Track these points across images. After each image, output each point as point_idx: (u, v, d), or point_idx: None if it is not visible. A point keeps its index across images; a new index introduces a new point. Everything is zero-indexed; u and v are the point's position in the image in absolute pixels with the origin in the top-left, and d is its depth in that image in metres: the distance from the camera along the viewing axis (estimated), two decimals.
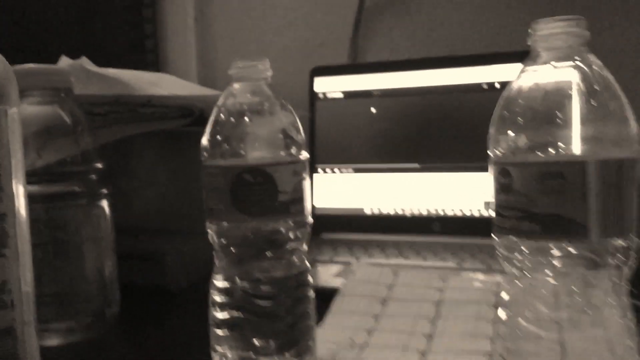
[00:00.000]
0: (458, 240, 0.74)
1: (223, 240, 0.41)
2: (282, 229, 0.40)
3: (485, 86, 0.75)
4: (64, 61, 0.60)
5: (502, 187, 0.29)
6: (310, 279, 0.43)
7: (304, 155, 0.41)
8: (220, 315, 0.41)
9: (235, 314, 0.40)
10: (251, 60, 0.40)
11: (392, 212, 0.79)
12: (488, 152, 0.31)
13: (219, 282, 0.41)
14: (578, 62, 0.30)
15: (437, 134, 0.77)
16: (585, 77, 0.29)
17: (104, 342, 0.52)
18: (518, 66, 0.32)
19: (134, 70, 0.64)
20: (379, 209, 0.79)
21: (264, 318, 0.40)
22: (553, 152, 0.28)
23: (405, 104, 0.79)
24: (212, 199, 0.40)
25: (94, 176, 0.54)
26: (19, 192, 0.41)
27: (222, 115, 0.40)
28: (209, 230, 0.41)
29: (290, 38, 0.98)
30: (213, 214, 0.40)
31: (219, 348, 0.41)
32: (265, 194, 0.38)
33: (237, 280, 0.40)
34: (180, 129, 0.66)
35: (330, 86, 0.83)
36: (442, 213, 0.76)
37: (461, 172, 0.75)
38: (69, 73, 0.53)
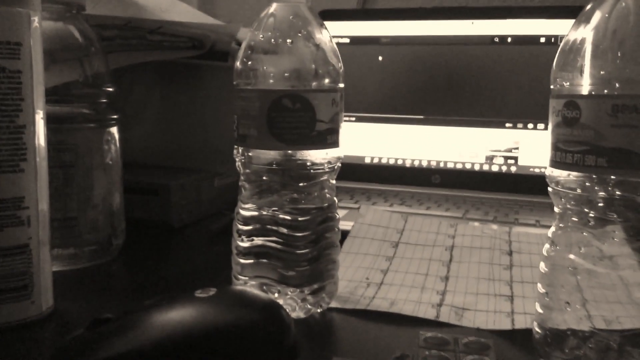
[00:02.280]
0: (458, 193, 0.74)
1: (252, 168, 0.39)
2: (317, 160, 0.38)
3: (496, 39, 0.74)
4: None
5: (567, 121, 0.28)
6: (337, 214, 0.42)
7: (341, 85, 0.40)
8: (244, 244, 0.40)
9: (260, 242, 0.40)
10: None
11: (392, 163, 0.78)
12: (551, 85, 0.30)
13: (245, 211, 0.40)
14: None
15: (443, 86, 0.76)
16: None
17: (108, 270, 0.51)
18: (532, 22, 0.31)
19: None
20: (379, 159, 0.79)
21: (289, 249, 0.39)
22: (624, 85, 0.27)
23: (414, 53, 0.78)
24: (245, 125, 0.38)
25: (104, 100, 0.52)
26: (39, 104, 0.39)
27: (259, 37, 0.38)
28: (236, 158, 0.40)
29: None
30: (244, 140, 0.39)
31: (241, 277, 0.40)
32: (304, 121, 0.37)
33: (265, 209, 0.39)
34: (189, 61, 0.63)
35: (337, 31, 0.81)
36: (442, 166, 0.76)
37: (464, 126, 0.75)
38: None
